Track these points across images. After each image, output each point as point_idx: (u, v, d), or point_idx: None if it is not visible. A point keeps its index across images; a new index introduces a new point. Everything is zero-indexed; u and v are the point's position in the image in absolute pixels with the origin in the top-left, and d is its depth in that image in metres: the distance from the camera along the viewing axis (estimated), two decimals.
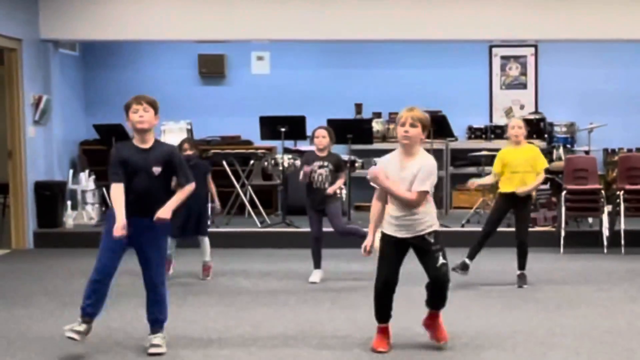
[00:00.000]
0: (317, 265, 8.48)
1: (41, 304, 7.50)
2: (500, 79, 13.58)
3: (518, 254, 8.09)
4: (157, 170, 5.59)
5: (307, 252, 8.51)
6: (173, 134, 11.47)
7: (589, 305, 7.24)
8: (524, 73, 13.55)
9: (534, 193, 8.19)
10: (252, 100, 13.20)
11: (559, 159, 11.36)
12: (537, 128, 12.60)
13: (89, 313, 5.66)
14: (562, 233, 10.20)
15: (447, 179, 12.50)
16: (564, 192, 10.36)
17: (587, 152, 11.72)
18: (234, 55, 13.63)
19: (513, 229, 8.27)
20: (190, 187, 5.74)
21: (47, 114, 11.54)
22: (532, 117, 12.83)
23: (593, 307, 7.17)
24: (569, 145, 12.14)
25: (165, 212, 5.59)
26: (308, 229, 10.12)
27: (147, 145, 5.63)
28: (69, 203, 11.65)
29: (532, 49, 13.45)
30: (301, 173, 8.46)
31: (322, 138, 8.47)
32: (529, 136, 12.14)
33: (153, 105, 5.67)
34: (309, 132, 11.83)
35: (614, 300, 7.50)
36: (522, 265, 8.10)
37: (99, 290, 5.65)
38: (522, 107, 13.50)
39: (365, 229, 7.78)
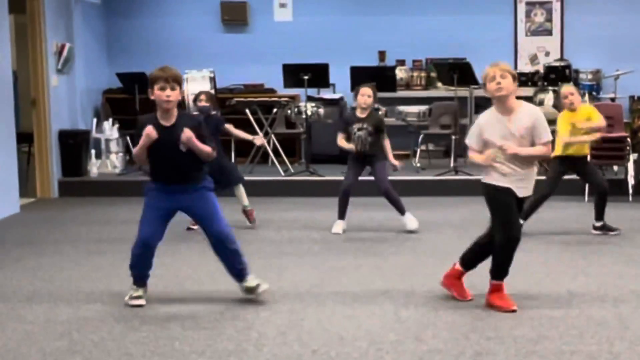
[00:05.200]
0: (342, 216, 8.33)
1: (66, 252, 7.56)
2: (525, 26, 13.41)
3: (600, 204, 8.05)
4: (184, 148, 5.48)
5: (331, 201, 8.48)
6: (196, 82, 11.45)
7: (613, 255, 7.20)
8: (549, 19, 13.37)
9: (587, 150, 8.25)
10: (275, 48, 13.11)
11: None
12: (562, 75, 12.46)
13: (140, 278, 5.72)
14: None
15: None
16: None
17: (613, 100, 11.60)
18: (256, 2, 13.52)
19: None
20: (213, 153, 5.66)
21: (70, 62, 11.53)
22: (557, 64, 12.69)
23: (618, 256, 7.13)
24: (594, 93, 12.01)
25: (187, 135, 5.46)
26: (331, 177, 10.13)
27: (171, 122, 5.50)
28: (93, 152, 11.68)
29: None
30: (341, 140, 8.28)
31: (368, 97, 8.12)
32: (554, 83, 12.06)
33: (179, 81, 5.51)
34: (332, 80, 11.81)
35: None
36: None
37: (143, 259, 5.67)
38: (547, 54, 13.35)
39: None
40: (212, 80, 11.78)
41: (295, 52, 12.57)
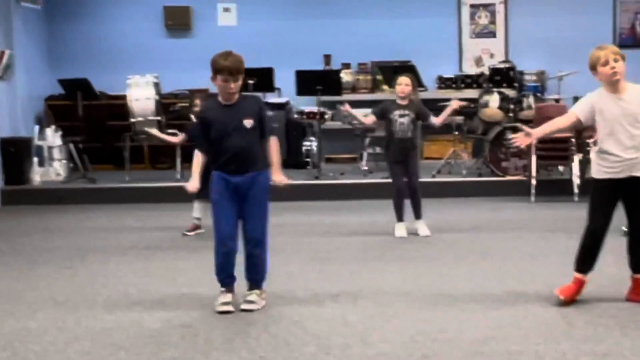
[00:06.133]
0: (400, 218, 8.19)
1: (8, 262, 7.43)
2: (469, 28, 13.51)
3: None
4: (249, 122, 5.45)
5: (278, 205, 8.36)
6: (139, 88, 11.34)
7: (559, 254, 7.23)
8: (493, 22, 13.49)
9: None
10: None
11: (529, 107, 11.32)
12: (507, 77, 12.58)
13: (228, 283, 5.61)
14: (533, 182, 10.20)
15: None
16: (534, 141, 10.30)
17: (557, 101, 11.69)
18: (200, 7, 13.48)
19: None
20: (276, 139, 5.67)
21: (10, 69, 11.37)
22: (502, 66, 12.80)
23: (564, 256, 7.16)
24: (539, 94, 12.11)
25: (278, 175, 5.62)
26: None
27: (232, 102, 5.49)
28: (35, 159, 11.51)
29: None
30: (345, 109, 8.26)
31: (405, 86, 8.09)
32: (499, 84, 12.16)
33: (242, 71, 5.50)
34: (277, 84, 11.78)
35: None
36: None
37: (226, 260, 5.55)
38: (492, 56, 13.46)
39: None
40: (157, 85, 11.67)
41: None
